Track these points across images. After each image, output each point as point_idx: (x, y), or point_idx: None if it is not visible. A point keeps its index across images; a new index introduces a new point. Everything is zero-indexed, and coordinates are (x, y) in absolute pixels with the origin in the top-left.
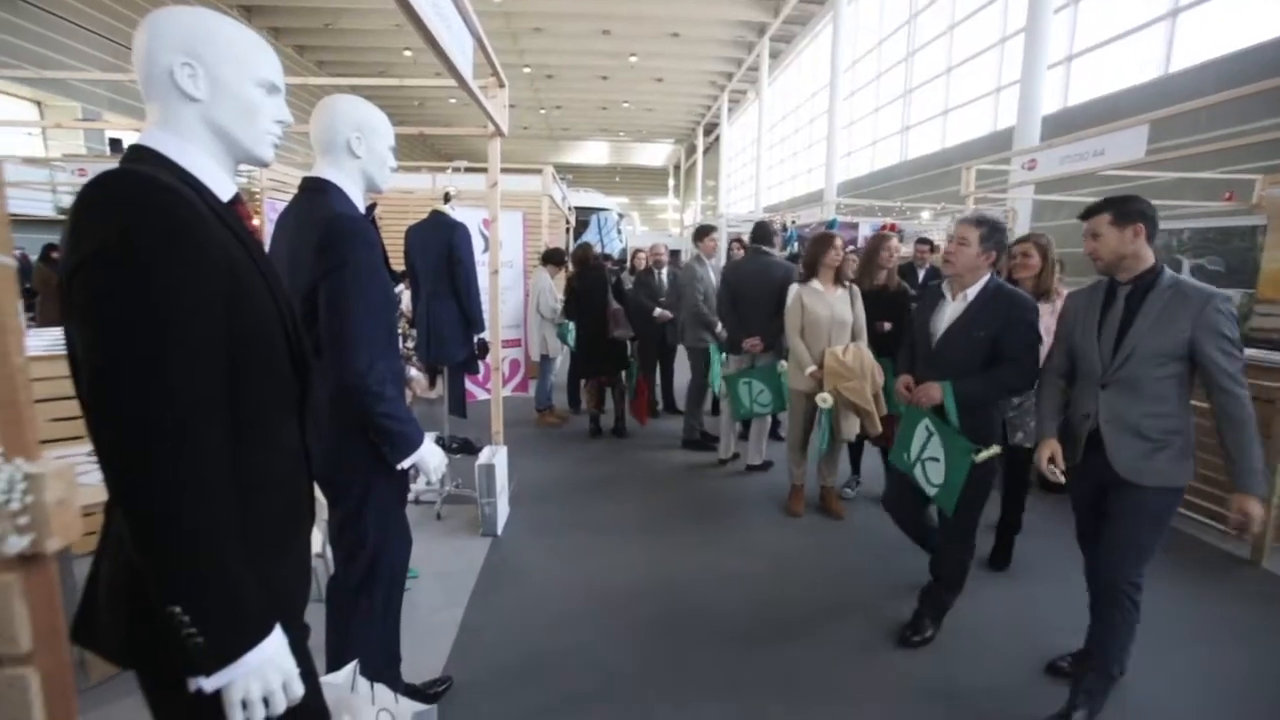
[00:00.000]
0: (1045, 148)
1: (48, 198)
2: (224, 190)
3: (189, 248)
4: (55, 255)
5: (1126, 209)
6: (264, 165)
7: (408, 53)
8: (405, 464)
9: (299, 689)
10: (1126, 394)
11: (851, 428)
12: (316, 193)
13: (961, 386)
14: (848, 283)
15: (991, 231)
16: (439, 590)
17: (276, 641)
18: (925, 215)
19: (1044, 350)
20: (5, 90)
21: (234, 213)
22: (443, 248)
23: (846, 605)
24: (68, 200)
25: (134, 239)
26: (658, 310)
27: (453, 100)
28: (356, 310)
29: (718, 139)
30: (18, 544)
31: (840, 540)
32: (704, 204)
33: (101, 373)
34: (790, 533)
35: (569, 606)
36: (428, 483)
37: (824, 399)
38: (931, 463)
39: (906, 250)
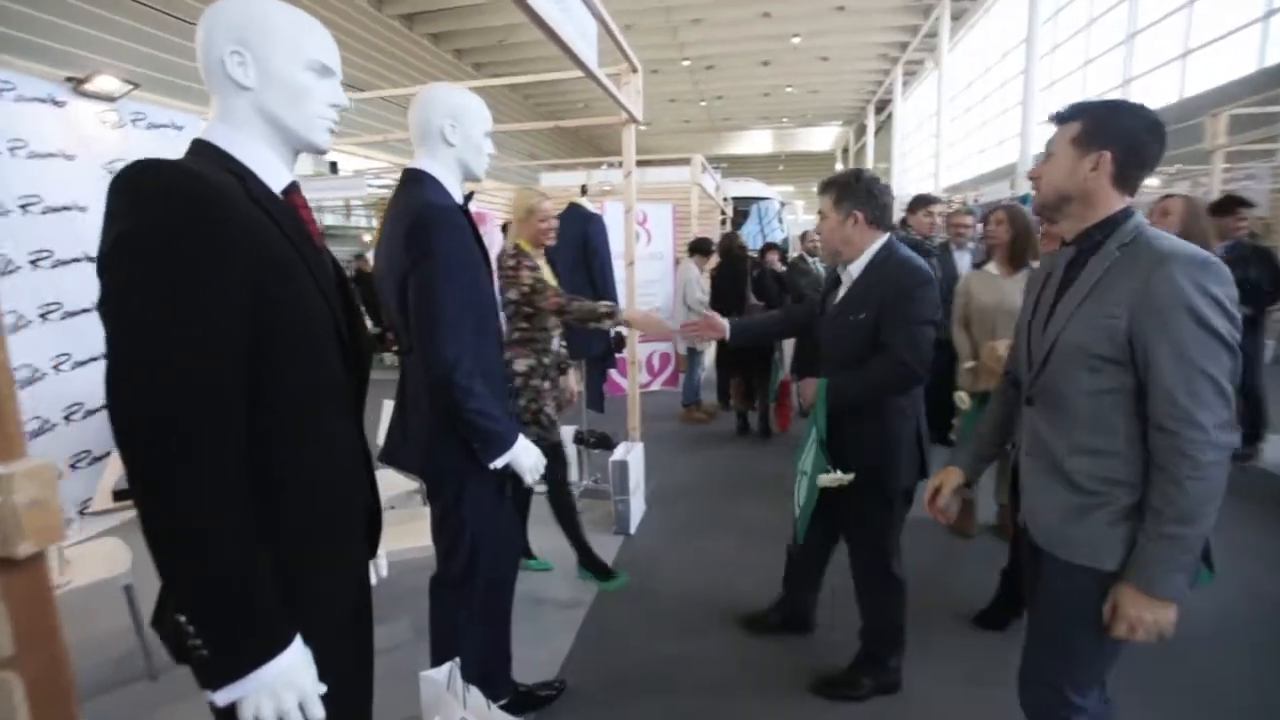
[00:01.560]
0: None
1: None
2: (277, 180)
3: (207, 237)
4: None
5: (1104, 126)
6: (320, 152)
7: None
8: (497, 464)
9: (318, 711)
10: (1050, 413)
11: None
12: (411, 184)
13: (832, 385)
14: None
15: (844, 192)
16: (566, 586)
17: (293, 657)
18: (1154, 181)
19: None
20: None
21: (283, 203)
22: (578, 239)
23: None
24: None
25: (150, 228)
26: None
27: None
28: (443, 302)
29: (890, 117)
30: None
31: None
32: None
33: (114, 362)
34: (956, 554)
35: (695, 614)
36: (524, 483)
37: (961, 399)
38: (802, 477)
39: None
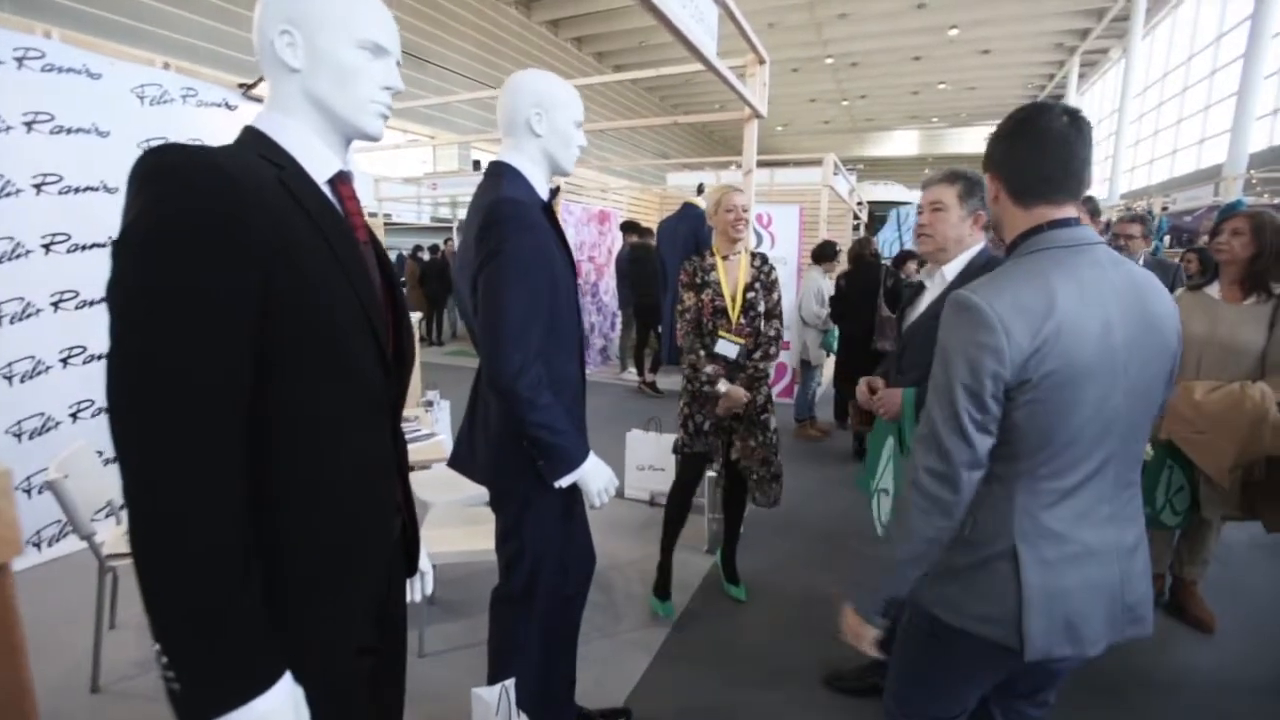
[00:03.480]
0: None
1: (416, 209)
2: (324, 168)
3: (207, 227)
4: (420, 254)
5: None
6: (372, 139)
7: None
8: (563, 483)
9: None
10: None
11: (1222, 500)
12: (491, 177)
13: (923, 393)
14: (1275, 294)
15: (971, 186)
16: (647, 605)
17: (275, 700)
18: None
19: None
20: (410, 129)
21: (322, 195)
22: (689, 237)
23: None
24: (429, 210)
25: (153, 218)
26: None
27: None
28: (508, 305)
29: None
30: None
31: (1203, 660)
32: None
33: (108, 359)
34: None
35: (782, 659)
36: (591, 506)
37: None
38: (883, 495)
39: None
